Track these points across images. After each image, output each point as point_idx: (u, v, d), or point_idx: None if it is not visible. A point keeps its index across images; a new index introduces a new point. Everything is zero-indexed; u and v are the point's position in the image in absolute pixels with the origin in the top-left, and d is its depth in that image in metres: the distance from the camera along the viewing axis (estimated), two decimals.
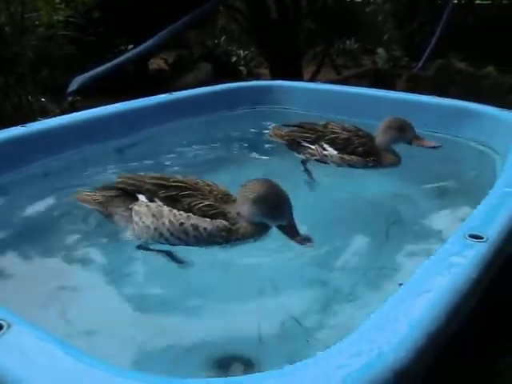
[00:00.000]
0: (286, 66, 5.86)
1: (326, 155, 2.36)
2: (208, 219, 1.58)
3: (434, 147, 2.23)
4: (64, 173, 2.23)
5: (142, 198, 1.67)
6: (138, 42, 5.01)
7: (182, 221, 1.57)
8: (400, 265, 1.58)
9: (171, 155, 2.59)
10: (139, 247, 1.66)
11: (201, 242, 1.59)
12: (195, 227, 1.57)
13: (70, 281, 1.53)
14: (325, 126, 2.45)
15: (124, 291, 1.48)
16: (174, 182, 1.67)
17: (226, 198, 1.67)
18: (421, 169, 2.35)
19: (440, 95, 2.81)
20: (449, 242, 1.12)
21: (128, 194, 1.71)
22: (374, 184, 2.30)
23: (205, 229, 1.57)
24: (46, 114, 3.59)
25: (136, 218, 1.65)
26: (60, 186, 2.12)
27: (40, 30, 4.45)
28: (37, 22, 4.40)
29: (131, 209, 1.67)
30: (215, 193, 1.66)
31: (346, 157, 2.31)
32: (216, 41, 8.05)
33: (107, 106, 2.50)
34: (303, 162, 2.44)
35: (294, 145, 2.49)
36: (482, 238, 1.11)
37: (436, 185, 2.20)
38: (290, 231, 1.53)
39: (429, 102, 2.72)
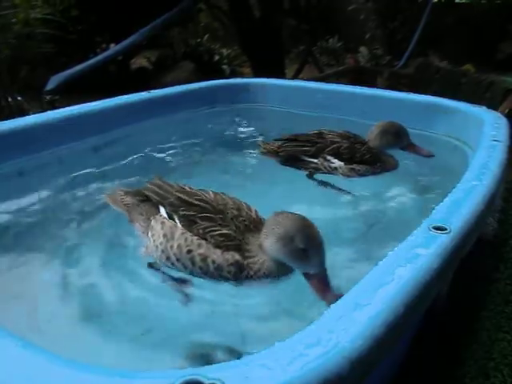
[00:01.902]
0: (269, 65, 5.86)
1: (335, 168, 2.22)
2: (219, 250, 1.40)
3: (428, 156, 2.22)
4: (39, 172, 2.20)
5: (162, 211, 1.54)
6: (119, 40, 4.99)
7: (191, 248, 1.42)
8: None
9: (149, 154, 2.59)
10: (150, 266, 1.56)
11: (207, 275, 1.42)
12: (203, 258, 1.40)
13: (36, 287, 1.51)
14: (320, 136, 2.32)
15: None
16: (197, 199, 1.49)
17: (253, 226, 1.46)
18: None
19: (419, 92, 2.85)
20: (413, 234, 1.13)
21: (154, 204, 1.58)
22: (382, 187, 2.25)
23: (213, 261, 1.39)
24: (23, 113, 3.55)
25: (150, 234, 1.53)
26: (35, 186, 2.11)
27: (17, 28, 4.40)
28: (13, 20, 4.34)
29: (150, 220, 1.56)
30: (241, 219, 1.45)
31: (356, 167, 2.20)
32: (199, 39, 8.01)
33: (83, 105, 2.48)
34: (310, 176, 2.28)
35: (291, 160, 2.31)
36: (445, 230, 1.13)
37: (413, 180, 2.24)
38: (318, 283, 1.28)
39: (404, 98, 2.75)
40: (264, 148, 2.38)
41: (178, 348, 1.26)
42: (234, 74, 7.47)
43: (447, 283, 1.46)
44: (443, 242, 1.09)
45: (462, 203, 1.28)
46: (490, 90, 5.20)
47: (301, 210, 1.87)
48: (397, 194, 2.13)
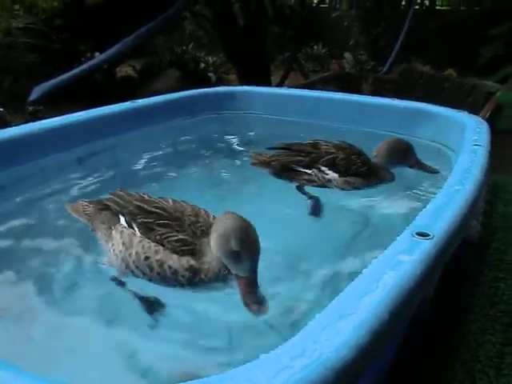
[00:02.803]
0: (255, 72, 5.88)
1: (329, 180, 2.15)
2: (175, 256, 1.43)
3: (433, 172, 2.20)
4: (21, 185, 2.17)
5: (122, 220, 1.57)
6: (103, 48, 4.96)
7: (148, 254, 1.44)
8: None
9: (134, 164, 2.57)
10: (113, 279, 1.54)
11: (164, 281, 1.44)
12: (160, 263, 1.43)
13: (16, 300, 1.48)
14: (315, 146, 2.24)
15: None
16: (155, 207, 1.52)
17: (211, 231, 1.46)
18: None
19: (403, 98, 2.87)
20: (396, 241, 1.14)
21: (115, 213, 1.62)
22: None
23: (169, 266, 1.42)
24: (5, 124, 3.52)
25: (110, 244, 1.56)
26: (17, 199, 2.08)
27: None
28: None
29: (111, 229, 1.59)
30: (199, 224, 1.48)
31: (351, 179, 2.14)
32: (184, 47, 8.02)
33: (66, 116, 2.46)
34: (299, 188, 2.20)
35: (284, 171, 2.23)
36: (428, 236, 1.13)
37: (398, 186, 2.24)
38: (244, 286, 1.28)
39: (388, 104, 2.77)
40: (255, 158, 2.31)
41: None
42: (220, 82, 7.48)
43: (432, 288, 1.47)
44: (426, 248, 1.09)
45: (444, 208, 1.28)
46: (472, 93, 5.27)
47: (286, 222, 1.90)
48: (381, 199, 2.13)
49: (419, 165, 2.20)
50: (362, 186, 2.15)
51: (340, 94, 2.95)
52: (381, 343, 0.88)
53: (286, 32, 7.99)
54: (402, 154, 2.18)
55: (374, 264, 1.05)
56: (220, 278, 1.42)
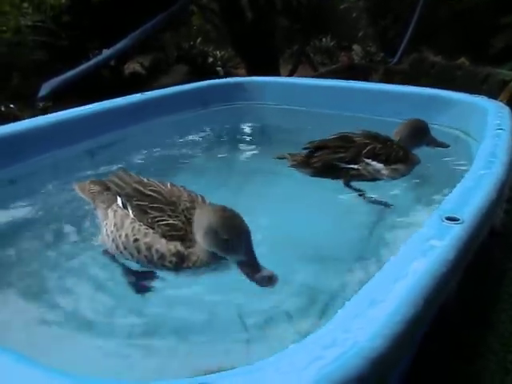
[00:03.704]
0: (264, 66, 5.82)
1: (378, 171, 2.04)
2: (164, 240, 1.43)
3: (445, 147, 2.15)
4: (32, 179, 2.15)
5: (119, 201, 1.58)
6: (110, 45, 4.94)
7: (138, 237, 1.45)
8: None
9: (145, 156, 2.54)
10: (105, 252, 1.57)
11: (151, 264, 1.45)
12: (148, 246, 1.43)
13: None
14: (346, 139, 2.13)
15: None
16: (152, 190, 1.52)
17: None
18: None
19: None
20: (425, 226, 1.08)
21: (114, 194, 1.63)
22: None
23: (157, 250, 1.42)
24: (16, 120, 3.49)
25: (104, 223, 1.57)
26: (28, 194, 2.05)
27: (7, 36, 4.34)
28: (4, 28, 4.29)
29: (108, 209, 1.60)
30: (193, 210, 1.46)
31: (397, 167, 2.05)
32: (191, 42, 7.97)
33: (76, 108, 2.43)
34: (347, 185, 2.07)
35: (328, 170, 2.09)
36: (457, 220, 1.08)
37: (418, 173, 2.16)
38: (248, 268, 1.29)
39: (405, 91, 2.71)
40: (293, 160, 2.15)
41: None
42: (228, 76, 7.41)
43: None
44: (457, 232, 1.04)
45: (472, 192, 1.23)
46: (486, 82, 5.18)
47: (306, 210, 1.85)
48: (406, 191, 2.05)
49: (435, 142, 2.15)
50: (405, 172, 2.07)
51: (354, 82, 2.88)
52: (414, 331, 0.83)
53: (294, 25, 7.91)
54: (424, 133, 2.13)
55: (403, 250, 0.99)
56: (208, 267, 1.43)
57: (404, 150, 2.10)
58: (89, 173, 2.17)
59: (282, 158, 2.20)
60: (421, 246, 1.00)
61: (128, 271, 1.50)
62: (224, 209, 1.35)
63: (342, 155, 2.06)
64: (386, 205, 1.92)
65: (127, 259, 1.50)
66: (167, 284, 1.47)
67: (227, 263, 1.39)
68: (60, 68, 4.73)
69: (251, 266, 1.28)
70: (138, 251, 1.45)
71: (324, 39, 8.86)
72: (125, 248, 1.47)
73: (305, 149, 2.16)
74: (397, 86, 2.82)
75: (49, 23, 5.43)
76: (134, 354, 1.22)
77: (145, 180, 1.60)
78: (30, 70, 5.00)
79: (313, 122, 2.69)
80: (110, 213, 1.56)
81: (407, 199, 1.95)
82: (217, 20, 6.85)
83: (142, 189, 1.53)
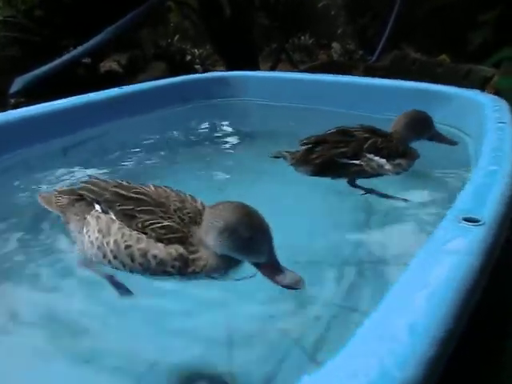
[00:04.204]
0: (243, 63, 5.70)
1: (381, 166, 1.91)
2: (161, 244, 1.29)
3: (452, 144, 2.02)
4: (1, 178, 1.98)
5: (98, 208, 1.42)
6: (85, 42, 4.76)
7: (130, 243, 1.30)
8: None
9: (121, 154, 2.38)
10: (80, 264, 1.41)
11: (148, 271, 1.30)
12: (143, 253, 1.29)
13: None
14: (345, 133, 1.99)
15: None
16: (136, 192, 1.38)
17: (199, 218, 1.33)
18: None
19: None
20: (442, 228, 0.97)
21: (89, 203, 1.46)
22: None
23: (154, 256, 1.28)
24: None
25: (84, 230, 1.40)
26: None
27: None
28: None
29: (85, 219, 1.43)
30: (186, 211, 1.34)
31: (399, 161, 1.92)
32: (169, 40, 7.84)
33: (48, 103, 2.27)
34: (351, 183, 1.94)
35: (329, 167, 1.95)
36: (478, 221, 0.97)
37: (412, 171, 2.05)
38: (271, 271, 1.18)
39: (393, 85, 2.61)
40: (293, 158, 2.00)
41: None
42: None
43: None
44: (479, 235, 0.93)
45: (488, 190, 1.12)
46: (467, 78, 5.14)
47: (296, 209, 1.73)
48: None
49: (438, 137, 2.01)
50: (407, 167, 1.95)
51: (342, 76, 2.77)
52: (444, 350, 0.71)
53: (273, 23, 7.83)
54: (422, 125, 2.00)
55: (420, 256, 0.87)
56: (218, 272, 1.29)
57: (404, 146, 1.98)
58: (61, 171, 2.02)
59: (279, 157, 2.05)
60: (440, 251, 0.89)
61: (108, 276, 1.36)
62: (243, 205, 1.22)
63: (343, 150, 1.93)
64: (400, 199, 1.80)
65: (117, 269, 1.33)
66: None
67: (238, 268, 1.27)
68: (33, 64, 4.56)
69: (275, 268, 1.17)
70: (132, 259, 1.30)
71: (303, 37, 8.80)
72: (115, 257, 1.32)
73: (302, 145, 2.01)
74: (386, 80, 2.71)
75: (20, 18, 5.25)
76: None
77: (124, 183, 1.45)
78: (3, 66, 4.81)
79: (301, 119, 2.56)
80: (91, 219, 1.39)
81: (410, 196, 1.83)
82: (195, 17, 6.71)
83: (124, 192, 1.38)
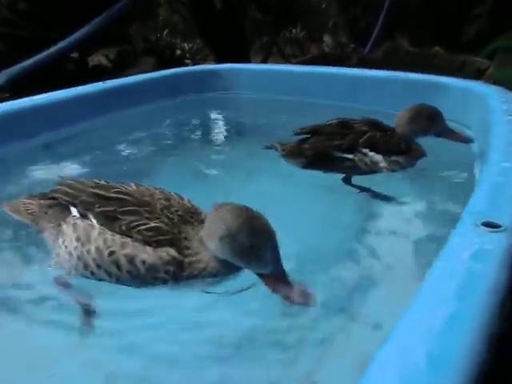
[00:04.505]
0: (234, 57, 5.60)
1: (375, 163, 1.79)
2: (149, 248, 1.16)
3: (467, 141, 1.89)
4: None
5: (74, 212, 1.27)
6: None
7: (114, 249, 1.16)
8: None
9: (108, 151, 2.27)
10: (57, 280, 1.25)
11: (137, 280, 1.17)
12: (130, 259, 1.15)
13: None
14: (344, 125, 1.87)
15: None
16: (116, 192, 1.25)
17: (189, 217, 1.23)
18: None
19: None
20: (458, 235, 0.86)
21: (65, 206, 1.31)
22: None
23: (143, 261, 1.15)
24: None
25: (60, 241, 1.26)
26: None
27: None
28: None
29: (61, 226, 1.28)
30: (173, 209, 1.23)
31: (397, 159, 1.80)
32: (158, 34, 7.74)
33: (31, 97, 2.15)
34: (346, 181, 1.84)
35: (321, 160, 1.83)
36: (499, 227, 0.87)
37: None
38: (276, 283, 1.07)
39: (388, 77, 2.50)
40: (284, 150, 1.89)
41: None
42: None
43: None
44: (504, 242, 0.82)
45: (505, 189, 1.02)
46: (462, 70, 5.08)
47: (291, 208, 1.63)
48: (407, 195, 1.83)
49: (448, 133, 1.88)
50: (407, 165, 1.82)
51: (337, 68, 2.67)
52: (469, 379, 0.62)
53: (266, 16, 7.74)
54: (427, 119, 1.85)
55: (437, 268, 0.77)
56: (218, 275, 1.17)
57: (406, 141, 1.86)
58: (43, 167, 1.90)
59: (271, 148, 1.95)
60: (459, 262, 0.78)
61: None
62: (247, 209, 1.11)
63: (337, 142, 1.81)
64: (389, 199, 1.71)
65: (103, 280, 1.20)
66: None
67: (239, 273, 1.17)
68: (20, 59, 4.43)
69: (279, 280, 1.06)
70: (118, 267, 1.16)
71: (294, 30, 8.69)
72: (98, 266, 1.18)
73: (296, 135, 1.90)
74: (383, 71, 2.60)
75: (4, 11, 5.12)
76: None
77: (103, 182, 1.31)
78: None
79: (295, 112, 2.46)
80: (67, 227, 1.25)
81: (407, 194, 1.73)
82: (184, 11, 6.59)
83: (103, 193, 1.25)
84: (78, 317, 1.15)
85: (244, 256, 1.09)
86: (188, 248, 1.17)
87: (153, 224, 1.18)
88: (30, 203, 1.40)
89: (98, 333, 1.12)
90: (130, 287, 1.18)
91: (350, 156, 1.80)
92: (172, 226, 1.19)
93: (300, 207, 1.65)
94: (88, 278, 1.21)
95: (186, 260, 1.16)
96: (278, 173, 1.94)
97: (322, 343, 1.06)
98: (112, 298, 1.22)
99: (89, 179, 1.34)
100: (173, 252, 1.15)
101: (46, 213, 1.35)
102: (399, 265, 1.31)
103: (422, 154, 1.86)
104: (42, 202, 1.38)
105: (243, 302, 1.16)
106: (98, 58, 7.26)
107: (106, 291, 1.21)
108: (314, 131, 1.87)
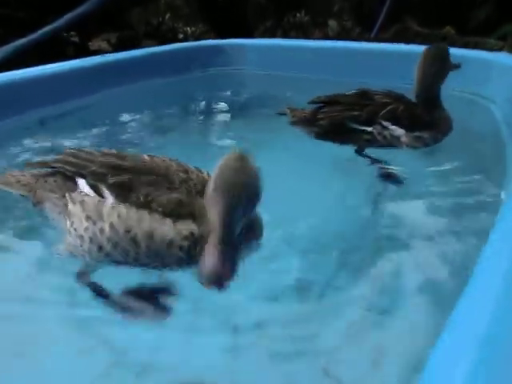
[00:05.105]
0: None
1: (396, 137, 1.67)
2: (169, 221, 1.04)
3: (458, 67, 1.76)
4: None
5: (82, 184, 1.13)
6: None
7: (130, 224, 1.04)
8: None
9: (107, 127, 2.16)
10: (79, 276, 1.11)
11: (157, 258, 1.05)
12: (149, 234, 1.03)
13: None
14: (364, 96, 1.74)
15: None
16: (131, 161, 1.13)
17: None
18: None
19: None
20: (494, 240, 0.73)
21: (69, 178, 1.18)
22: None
23: (162, 236, 1.03)
24: None
25: (68, 224, 1.12)
26: None
27: None
28: None
29: (66, 198, 1.15)
30: (192, 182, 1.11)
31: (421, 134, 1.68)
32: (160, 18, 7.62)
33: (24, 70, 2.03)
34: (359, 152, 1.73)
35: (336, 131, 1.71)
36: None
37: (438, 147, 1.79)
38: (208, 252, 0.91)
39: (402, 50, 2.38)
40: (294, 116, 1.77)
41: None
42: None
43: None
44: None
45: None
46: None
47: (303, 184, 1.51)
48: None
49: (453, 65, 1.76)
50: (431, 141, 1.70)
51: (346, 42, 2.54)
52: None
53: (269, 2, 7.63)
54: (442, 58, 1.72)
55: (478, 278, 0.64)
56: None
57: (431, 116, 1.71)
58: (38, 147, 1.79)
59: (283, 114, 1.81)
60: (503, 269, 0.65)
61: (133, 292, 1.08)
62: (236, 157, 0.97)
63: (355, 113, 1.68)
64: (398, 181, 1.58)
65: (119, 263, 1.08)
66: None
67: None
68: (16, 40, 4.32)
69: (214, 250, 0.89)
70: (136, 244, 1.04)
71: (298, 14, 8.55)
72: (114, 246, 1.05)
73: (310, 103, 1.77)
74: (392, 45, 2.49)
75: None
76: None
77: (114, 151, 1.18)
78: None
79: (303, 89, 2.34)
80: (74, 206, 1.11)
81: (423, 172, 1.61)
82: None
83: (115, 161, 1.12)
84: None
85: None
86: (200, 218, 1.04)
87: (175, 195, 1.06)
88: (21, 174, 1.26)
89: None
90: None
91: (369, 129, 1.68)
92: (191, 199, 1.07)
93: (308, 181, 1.54)
94: (102, 262, 1.09)
95: (200, 233, 1.03)
96: (284, 146, 1.83)
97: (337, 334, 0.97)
98: None
99: (98, 150, 1.20)
100: (192, 226, 1.04)
101: (46, 181, 1.21)
102: (416, 248, 1.21)
103: (450, 127, 1.71)
104: (40, 172, 1.24)
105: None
106: (98, 44, 7.15)
107: None
108: (331, 101, 1.74)
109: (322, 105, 1.76)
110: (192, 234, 1.03)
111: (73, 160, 1.17)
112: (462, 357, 0.47)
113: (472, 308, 0.56)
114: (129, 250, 1.05)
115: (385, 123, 1.68)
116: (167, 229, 1.03)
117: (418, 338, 0.87)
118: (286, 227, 1.25)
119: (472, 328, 0.52)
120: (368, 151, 1.72)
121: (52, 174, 1.22)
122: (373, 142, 1.69)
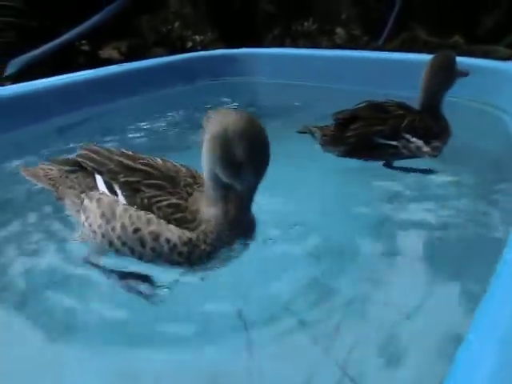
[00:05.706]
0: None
1: (418, 148, 1.68)
2: (173, 226, 1.11)
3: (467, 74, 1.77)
4: None
5: (99, 181, 1.22)
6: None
7: (138, 226, 1.12)
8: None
9: (122, 135, 2.18)
10: (86, 261, 1.21)
11: (160, 258, 1.13)
12: (155, 236, 1.11)
13: None
14: (380, 109, 1.73)
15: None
16: (143, 164, 1.19)
17: None
18: None
19: None
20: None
21: (89, 173, 1.26)
22: None
23: (167, 240, 1.11)
24: None
25: (83, 217, 1.20)
26: None
27: None
28: None
29: (84, 195, 1.23)
30: (196, 186, 1.17)
31: (437, 144, 1.68)
32: (170, 26, 7.69)
33: (42, 80, 2.07)
34: (388, 165, 1.74)
35: (363, 147, 1.70)
36: None
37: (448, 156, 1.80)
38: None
39: (412, 59, 2.40)
40: (324, 135, 1.74)
41: None
42: None
43: None
44: None
45: None
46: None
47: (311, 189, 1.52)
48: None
49: (461, 73, 1.77)
50: (443, 148, 1.71)
51: (359, 51, 2.57)
52: None
53: (276, 8, 7.68)
54: (448, 68, 1.73)
55: (497, 288, 0.65)
56: (224, 241, 1.11)
57: (439, 124, 1.73)
58: (55, 153, 1.82)
59: (305, 133, 1.81)
60: None
61: (130, 275, 1.17)
62: (254, 120, 1.02)
63: (380, 128, 1.67)
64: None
65: (125, 257, 1.16)
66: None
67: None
68: (31, 50, 4.41)
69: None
70: (143, 244, 1.12)
71: (306, 23, 8.60)
72: (123, 243, 1.14)
73: (335, 120, 1.75)
74: (403, 54, 2.51)
75: (17, 2, 5.12)
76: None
77: (131, 152, 1.25)
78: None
79: (313, 98, 2.36)
80: (91, 203, 1.20)
81: (434, 182, 1.63)
82: (199, 3, 6.55)
83: (130, 163, 1.19)
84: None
85: (226, 168, 1.02)
86: (194, 218, 1.12)
87: (174, 200, 1.13)
88: (50, 169, 1.34)
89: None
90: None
91: (394, 143, 1.68)
92: (188, 199, 1.14)
93: (321, 191, 1.56)
94: (111, 255, 1.17)
95: (195, 235, 1.10)
96: (303, 159, 1.84)
97: (352, 332, 0.98)
98: None
99: (117, 148, 1.27)
100: (188, 233, 1.10)
101: (67, 177, 1.28)
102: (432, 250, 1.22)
103: (450, 133, 1.73)
104: (63, 167, 1.32)
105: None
106: (109, 52, 7.23)
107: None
108: (353, 116, 1.73)
109: (340, 121, 1.74)
110: (190, 239, 1.10)
111: (94, 156, 1.24)
112: (487, 358, 0.49)
113: (496, 309, 0.58)
114: (134, 249, 1.13)
115: (407, 136, 1.68)
116: (171, 234, 1.10)
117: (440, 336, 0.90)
118: (292, 232, 1.28)
119: (496, 329, 0.54)
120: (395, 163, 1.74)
121: (74, 172, 1.29)
122: (397, 155, 1.70)
